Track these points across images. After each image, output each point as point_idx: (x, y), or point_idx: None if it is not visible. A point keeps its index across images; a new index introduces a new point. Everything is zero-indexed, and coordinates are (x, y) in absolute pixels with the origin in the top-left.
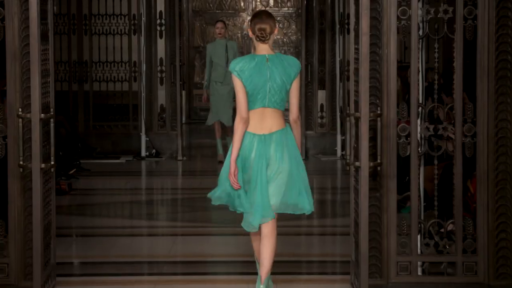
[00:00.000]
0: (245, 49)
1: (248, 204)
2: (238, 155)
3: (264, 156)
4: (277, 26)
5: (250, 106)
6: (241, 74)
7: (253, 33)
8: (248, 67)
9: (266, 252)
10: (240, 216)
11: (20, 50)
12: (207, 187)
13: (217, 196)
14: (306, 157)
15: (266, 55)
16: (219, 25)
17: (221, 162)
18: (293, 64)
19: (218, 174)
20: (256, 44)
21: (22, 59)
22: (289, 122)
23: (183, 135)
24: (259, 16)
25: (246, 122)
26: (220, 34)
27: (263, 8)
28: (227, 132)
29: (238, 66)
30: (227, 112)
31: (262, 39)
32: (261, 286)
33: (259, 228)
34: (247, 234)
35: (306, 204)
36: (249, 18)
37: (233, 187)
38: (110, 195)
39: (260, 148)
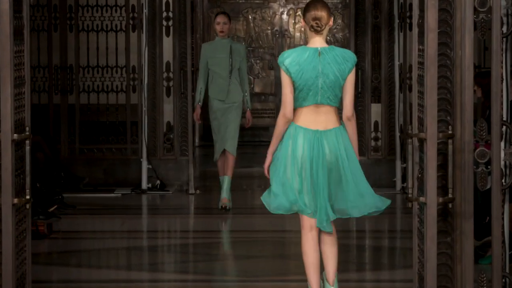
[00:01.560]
0: (276, 50)
1: (306, 205)
2: (292, 154)
3: (320, 154)
4: (332, 16)
5: (301, 103)
6: (290, 69)
7: (307, 23)
8: (298, 61)
9: (329, 257)
10: (269, 268)
11: None
12: (227, 228)
13: (276, 206)
14: None
15: (319, 48)
16: (221, 18)
17: (224, 209)
18: (348, 58)
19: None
20: (309, 35)
21: None
22: (342, 120)
23: (195, 161)
24: (314, 4)
25: (289, 122)
26: (222, 31)
27: None
28: (228, 165)
29: (287, 60)
30: (233, 138)
31: (318, 29)
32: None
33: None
34: None
35: (355, 211)
36: (281, 10)
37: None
38: (101, 239)
39: (315, 145)
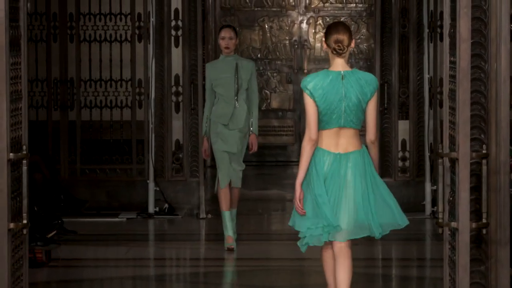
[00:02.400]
0: (295, 62)
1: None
2: (316, 176)
3: (338, 175)
4: (354, 39)
5: (324, 126)
6: (314, 93)
7: (328, 46)
8: (322, 85)
9: (342, 274)
10: None
11: None
12: (241, 256)
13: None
14: None
15: (342, 72)
16: (226, 33)
17: (230, 250)
18: (370, 82)
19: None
20: (331, 58)
21: None
22: (365, 143)
23: (207, 183)
24: (336, 27)
25: (315, 144)
26: (227, 48)
27: (323, 5)
28: (234, 198)
29: (311, 84)
30: (238, 172)
31: (340, 52)
32: None
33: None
34: None
35: (377, 228)
36: (301, 18)
37: (298, 212)
38: (104, 267)
39: (335, 167)
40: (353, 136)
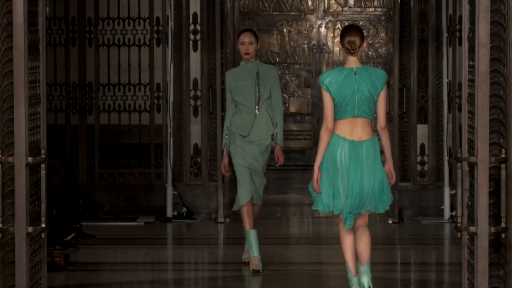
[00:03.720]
0: (313, 66)
1: (341, 205)
2: (332, 159)
3: (356, 160)
4: (365, 40)
5: (340, 116)
6: (330, 87)
7: (343, 46)
8: (337, 80)
9: (363, 243)
10: None
11: (0, 67)
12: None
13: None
14: (400, 218)
15: (354, 68)
16: (246, 37)
17: (255, 272)
18: (380, 76)
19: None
20: (345, 57)
21: (2, 81)
22: (376, 130)
23: (225, 187)
24: (349, 30)
25: (331, 133)
26: (247, 53)
27: (341, 9)
28: (255, 216)
29: (327, 79)
30: (259, 189)
31: (352, 51)
32: (365, 267)
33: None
34: None
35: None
36: (319, 22)
37: (315, 191)
38: (123, 271)
39: (352, 152)
40: (366, 125)
